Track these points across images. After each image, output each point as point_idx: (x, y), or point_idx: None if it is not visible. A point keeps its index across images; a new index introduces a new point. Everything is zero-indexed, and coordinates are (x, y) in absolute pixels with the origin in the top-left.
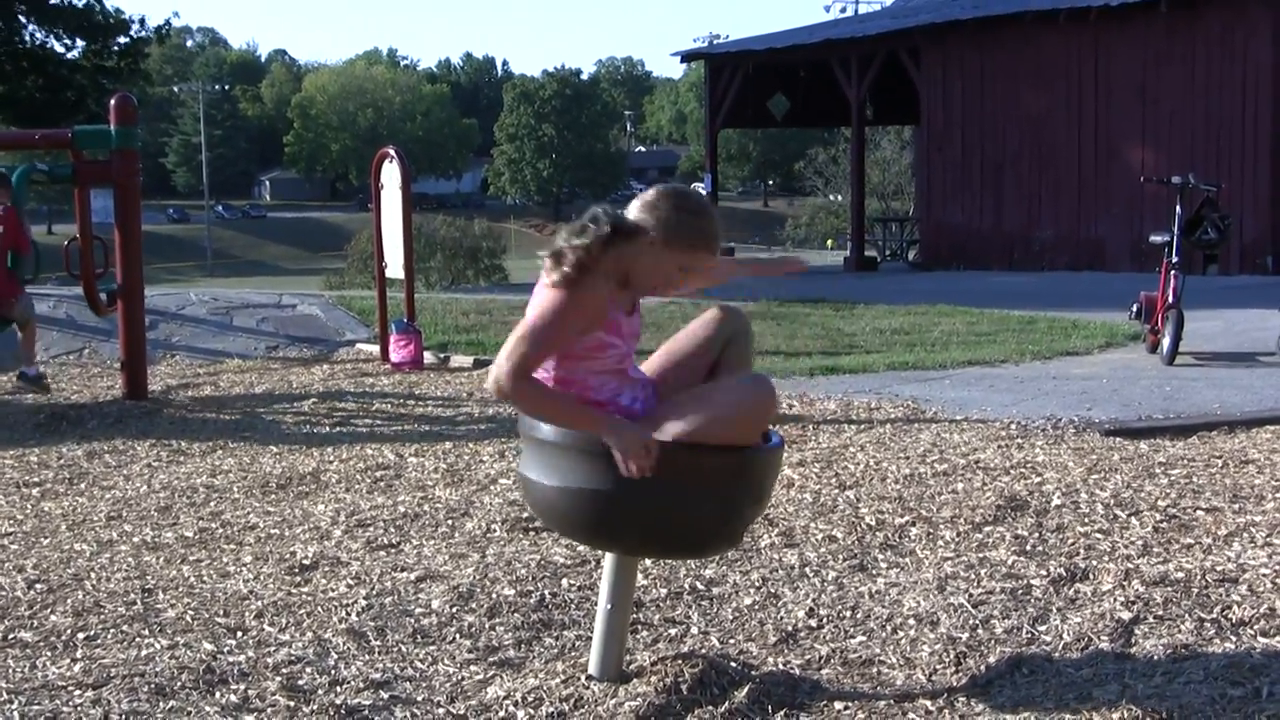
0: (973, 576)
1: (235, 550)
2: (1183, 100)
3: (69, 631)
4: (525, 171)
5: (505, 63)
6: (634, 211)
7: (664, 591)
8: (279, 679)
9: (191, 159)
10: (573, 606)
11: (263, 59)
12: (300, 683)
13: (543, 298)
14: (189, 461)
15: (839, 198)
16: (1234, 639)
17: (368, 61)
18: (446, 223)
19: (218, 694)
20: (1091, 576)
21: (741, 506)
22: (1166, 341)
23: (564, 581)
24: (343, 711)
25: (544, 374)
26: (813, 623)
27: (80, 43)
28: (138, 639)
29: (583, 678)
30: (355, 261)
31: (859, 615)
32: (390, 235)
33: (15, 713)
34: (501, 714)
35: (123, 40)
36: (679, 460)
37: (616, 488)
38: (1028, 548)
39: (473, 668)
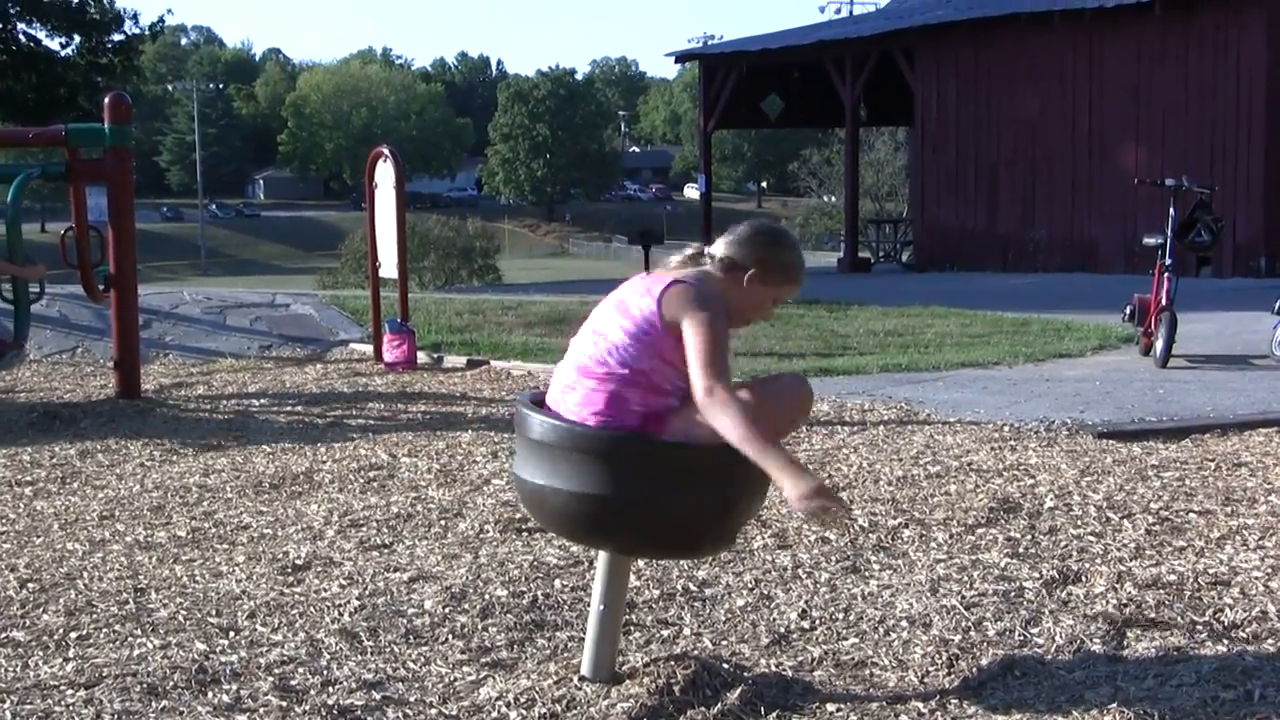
0: (965, 578)
1: (228, 550)
2: (1176, 102)
3: (61, 631)
4: (519, 171)
5: (500, 62)
6: (726, 247)
7: (657, 593)
8: (271, 679)
9: (185, 157)
10: (565, 607)
11: (257, 58)
12: (293, 683)
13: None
14: (182, 461)
15: (833, 199)
16: (1226, 642)
17: (362, 60)
18: (440, 222)
19: (210, 694)
20: (1084, 579)
21: (736, 506)
22: (1159, 344)
23: (557, 582)
24: (335, 712)
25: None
26: (805, 624)
27: (75, 39)
28: (130, 638)
29: (575, 679)
30: (349, 261)
31: (851, 617)
32: (384, 235)
33: (7, 712)
34: (494, 715)
35: (117, 37)
36: (674, 459)
37: (610, 487)
38: (1020, 550)
39: (465, 668)
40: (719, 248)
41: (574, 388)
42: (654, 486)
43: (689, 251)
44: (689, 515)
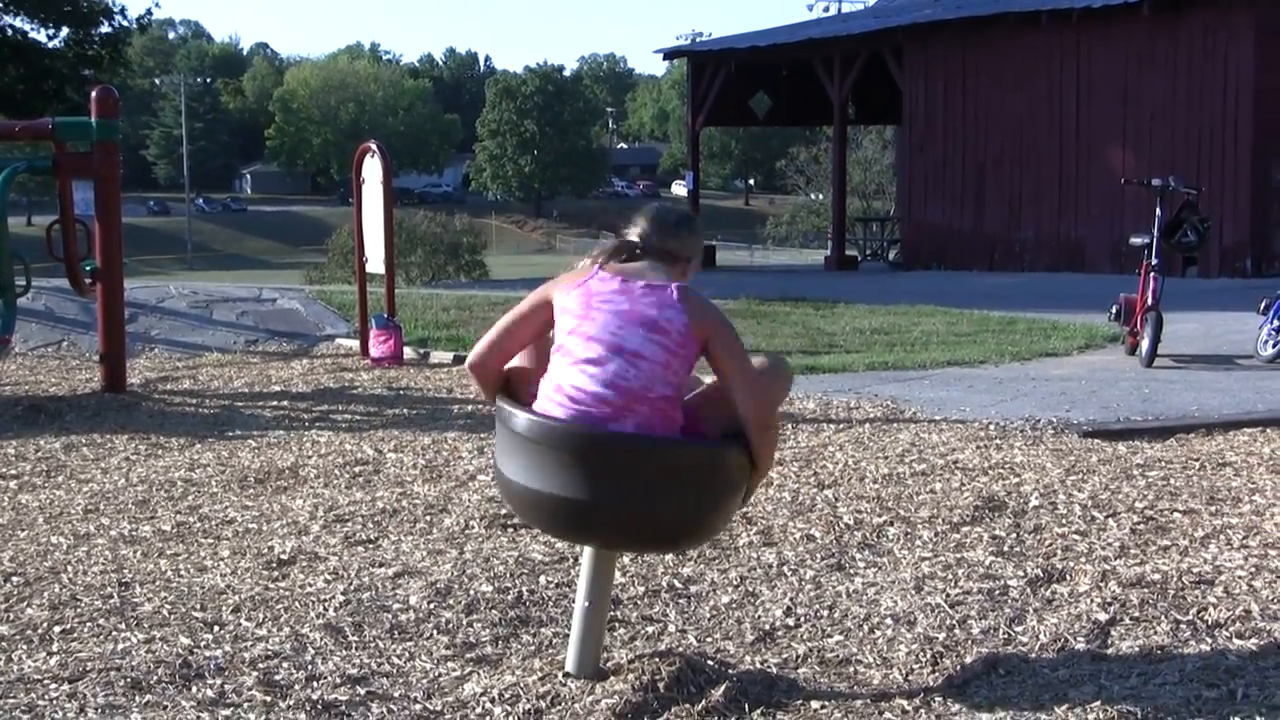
0: (950, 577)
1: (213, 545)
2: (1164, 103)
3: (45, 625)
4: (507, 167)
5: (488, 58)
6: (663, 238)
7: (642, 589)
8: (255, 674)
9: (173, 152)
10: (550, 604)
11: (245, 52)
12: (277, 678)
13: None
14: (167, 455)
15: (820, 196)
16: (1209, 641)
17: (350, 56)
18: (428, 218)
19: (194, 688)
20: (1068, 578)
21: (717, 503)
22: (1145, 343)
23: (542, 579)
24: (319, 707)
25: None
26: (790, 621)
27: (64, 31)
28: (114, 633)
29: (560, 675)
30: (336, 256)
31: (836, 614)
32: (371, 230)
33: None
34: (478, 710)
35: (104, 29)
36: (656, 455)
37: (591, 482)
38: (1005, 548)
39: (450, 664)
40: (657, 239)
41: (629, 412)
42: (635, 483)
43: (615, 243)
44: (671, 512)
